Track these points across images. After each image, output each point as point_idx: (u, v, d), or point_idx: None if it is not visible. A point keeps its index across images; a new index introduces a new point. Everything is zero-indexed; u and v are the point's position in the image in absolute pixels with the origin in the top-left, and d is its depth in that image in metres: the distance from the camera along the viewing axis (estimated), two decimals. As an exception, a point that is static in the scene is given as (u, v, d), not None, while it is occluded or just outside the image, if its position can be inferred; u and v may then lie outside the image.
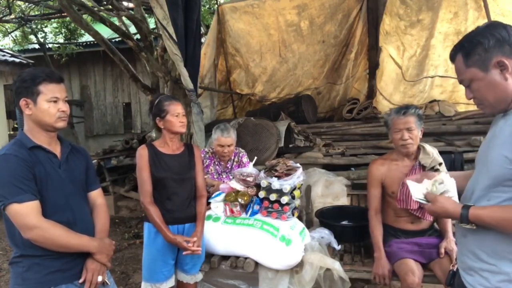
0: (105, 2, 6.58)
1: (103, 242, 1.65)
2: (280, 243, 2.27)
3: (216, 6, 6.63)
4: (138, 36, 5.45)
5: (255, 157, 2.89)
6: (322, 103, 6.37)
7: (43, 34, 8.97)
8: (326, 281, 2.27)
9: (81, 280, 1.58)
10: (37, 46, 8.99)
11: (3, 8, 7.74)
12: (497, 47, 1.21)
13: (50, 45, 8.85)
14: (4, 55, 7.84)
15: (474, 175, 1.38)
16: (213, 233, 2.43)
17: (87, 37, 8.81)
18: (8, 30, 9.00)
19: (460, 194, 1.43)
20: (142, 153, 2.22)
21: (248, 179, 2.54)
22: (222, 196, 2.56)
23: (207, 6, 8.08)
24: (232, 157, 3.01)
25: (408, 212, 2.34)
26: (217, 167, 3.00)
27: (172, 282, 2.29)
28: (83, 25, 5.01)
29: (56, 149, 1.65)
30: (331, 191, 3.45)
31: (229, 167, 3.00)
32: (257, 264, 2.35)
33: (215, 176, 2.98)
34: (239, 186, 2.53)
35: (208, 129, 3.69)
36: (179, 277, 2.34)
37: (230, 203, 2.50)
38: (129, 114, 10.00)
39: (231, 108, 6.65)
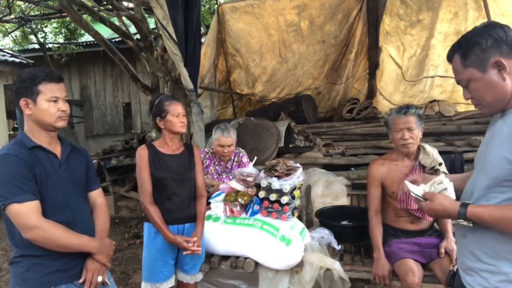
0: (105, 2, 6.58)
1: (103, 242, 1.65)
2: (280, 243, 2.27)
3: (216, 6, 6.63)
4: (138, 36, 5.45)
5: (255, 157, 2.89)
6: (322, 103, 6.37)
7: (43, 34, 8.97)
8: (326, 281, 2.27)
9: (81, 280, 1.58)
10: (37, 46, 8.99)
11: (3, 8, 7.74)
12: (494, 47, 1.21)
13: (50, 45, 8.85)
14: (4, 55, 7.84)
15: (473, 176, 1.38)
16: (213, 233, 2.43)
17: (87, 37, 8.80)
18: (8, 30, 9.00)
19: (459, 196, 1.42)
20: (142, 153, 2.22)
21: (248, 179, 2.54)
22: (222, 196, 2.56)
23: (207, 6, 8.08)
24: (232, 157, 3.01)
25: (408, 212, 2.34)
26: (217, 167, 3.00)
27: (172, 282, 2.29)
28: (83, 25, 5.01)
29: (57, 149, 1.65)
30: (331, 191, 3.45)
31: (229, 167, 3.00)
32: (257, 264, 2.35)
33: (215, 176, 2.98)
34: (239, 186, 2.53)
35: (208, 129, 3.69)
36: (179, 277, 2.34)
37: (230, 203, 2.50)
38: (129, 114, 10.00)
39: (231, 108, 6.65)
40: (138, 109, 9.86)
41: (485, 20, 4.80)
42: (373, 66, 5.69)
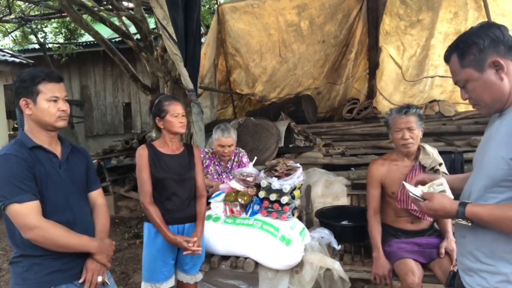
0: (105, 2, 6.58)
1: (103, 243, 1.65)
2: (280, 243, 2.27)
3: (216, 6, 6.63)
4: (138, 36, 5.45)
5: (255, 157, 2.89)
6: (322, 103, 6.37)
7: (43, 34, 8.97)
8: (326, 281, 2.27)
9: (81, 280, 1.58)
10: (37, 46, 8.99)
11: (3, 8, 7.74)
12: (492, 47, 1.21)
13: (50, 45, 8.84)
14: (4, 55, 7.84)
15: (472, 176, 1.38)
16: (213, 233, 2.43)
17: (87, 37, 8.80)
18: (8, 30, 9.00)
19: (457, 197, 1.42)
20: (142, 153, 2.22)
21: (248, 179, 2.54)
22: (222, 196, 2.56)
23: (207, 6, 8.08)
24: (232, 157, 3.00)
25: (408, 212, 2.34)
26: (217, 167, 3.00)
27: (172, 282, 2.28)
28: (83, 25, 5.01)
29: (57, 149, 1.65)
30: (331, 191, 3.45)
31: (229, 167, 3.00)
32: (257, 264, 2.35)
33: (215, 176, 2.98)
34: (239, 186, 2.53)
35: (208, 129, 3.69)
36: (179, 277, 2.34)
37: (230, 203, 2.50)
38: (129, 114, 10.00)
39: (231, 108, 6.65)
40: (138, 109, 9.86)
41: (485, 20, 4.80)
42: (373, 66, 5.69)
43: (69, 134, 8.56)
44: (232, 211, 2.50)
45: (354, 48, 5.81)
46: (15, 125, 10.33)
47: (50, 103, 1.55)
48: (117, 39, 7.94)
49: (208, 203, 2.53)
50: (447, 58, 1.33)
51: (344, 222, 2.84)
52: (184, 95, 3.45)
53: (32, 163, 1.51)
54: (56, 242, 1.50)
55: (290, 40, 5.90)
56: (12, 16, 7.99)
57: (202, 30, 6.84)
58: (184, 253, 2.16)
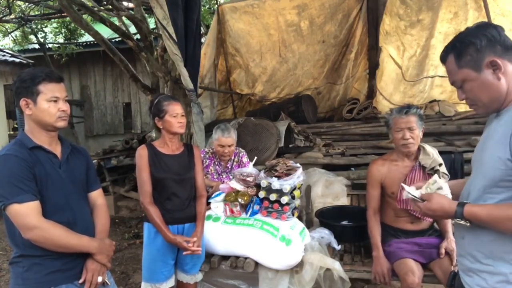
0: (105, 2, 6.58)
1: (103, 243, 1.65)
2: (280, 243, 2.27)
3: (216, 6, 6.63)
4: (138, 36, 5.44)
5: (255, 157, 2.89)
6: (322, 103, 6.37)
7: (43, 34, 8.97)
8: (326, 281, 2.27)
9: (81, 280, 1.58)
10: (37, 46, 8.99)
11: (3, 8, 7.74)
12: (489, 47, 1.21)
13: (50, 45, 8.84)
14: (4, 55, 7.84)
15: (470, 177, 1.39)
16: (213, 233, 2.43)
17: (87, 37, 8.80)
18: (8, 30, 9.00)
19: (457, 198, 1.42)
20: (142, 153, 2.22)
21: (248, 179, 2.54)
22: (222, 196, 2.56)
23: (207, 6, 8.08)
24: (232, 157, 3.00)
25: (408, 212, 2.34)
26: (217, 167, 3.00)
27: (172, 282, 2.29)
28: (83, 25, 5.01)
29: (57, 149, 1.65)
30: (331, 191, 3.45)
31: (229, 167, 3.00)
32: (257, 264, 2.35)
33: (215, 176, 2.98)
34: (239, 186, 2.53)
35: (208, 129, 3.69)
36: (179, 277, 2.34)
37: (230, 203, 2.50)
38: (129, 114, 10.00)
39: (231, 108, 6.65)
40: (138, 109, 9.86)
41: (486, 20, 4.80)
42: (373, 66, 5.69)
43: (69, 134, 8.56)
44: (232, 211, 2.50)
45: (354, 48, 5.82)
46: (15, 125, 10.33)
47: (50, 103, 1.55)
48: (117, 39, 7.93)
49: (208, 203, 2.53)
50: (443, 59, 1.33)
51: (344, 222, 2.84)
52: (184, 95, 3.45)
53: (32, 163, 1.51)
54: (56, 242, 1.50)
55: (290, 40, 5.90)
56: (12, 16, 7.99)
57: (202, 30, 6.84)
58: (184, 253, 2.16)
